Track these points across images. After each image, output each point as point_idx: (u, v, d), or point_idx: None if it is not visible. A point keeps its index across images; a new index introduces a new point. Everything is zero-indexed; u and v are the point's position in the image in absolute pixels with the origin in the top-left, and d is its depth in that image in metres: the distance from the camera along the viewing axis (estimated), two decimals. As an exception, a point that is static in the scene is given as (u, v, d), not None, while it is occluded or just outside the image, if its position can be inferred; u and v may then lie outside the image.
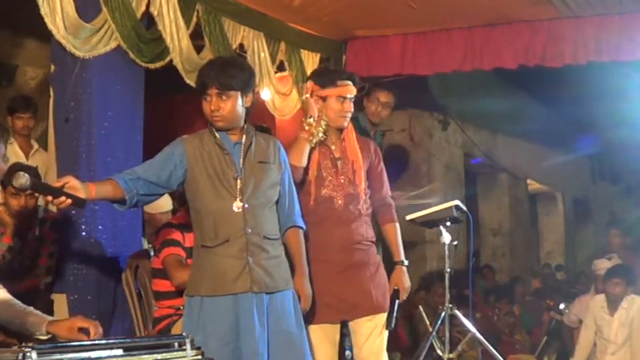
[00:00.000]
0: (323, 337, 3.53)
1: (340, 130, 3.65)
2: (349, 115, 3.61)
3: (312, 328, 3.49)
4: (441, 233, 4.30)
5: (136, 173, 3.10)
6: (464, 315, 4.35)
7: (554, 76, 7.06)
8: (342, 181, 3.58)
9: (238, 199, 3.11)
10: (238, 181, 3.13)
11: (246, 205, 3.12)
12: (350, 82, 3.60)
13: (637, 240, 6.96)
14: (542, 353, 7.28)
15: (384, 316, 3.62)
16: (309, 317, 3.45)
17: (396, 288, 3.66)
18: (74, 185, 2.84)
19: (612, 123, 9.91)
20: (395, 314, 3.62)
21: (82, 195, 2.85)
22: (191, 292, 3.16)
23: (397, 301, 3.63)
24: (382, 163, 3.79)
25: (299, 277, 3.30)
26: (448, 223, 4.29)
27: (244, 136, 3.21)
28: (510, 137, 10.76)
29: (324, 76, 3.62)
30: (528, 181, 11.94)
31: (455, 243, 4.33)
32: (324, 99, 3.55)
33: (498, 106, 9.14)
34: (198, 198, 3.16)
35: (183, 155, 3.16)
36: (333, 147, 3.63)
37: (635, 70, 6.55)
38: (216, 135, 3.18)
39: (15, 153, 5.10)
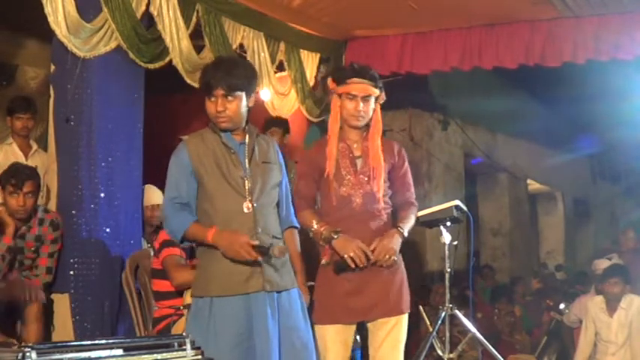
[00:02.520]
0: (335, 337, 3.45)
1: (363, 129, 3.53)
2: (363, 115, 3.45)
3: (326, 328, 3.44)
4: (441, 233, 4.29)
5: (190, 205, 3.14)
6: (464, 315, 4.34)
7: (554, 75, 7.07)
8: (361, 179, 3.48)
9: (248, 199, 3.11)
10: (246, 181, 3.13)
11: (255, 205, 3.12)
12: (362, 80, 3.44)
13: None
14: (542, 353, 7.27)
15: (401, 318, 3.51)
16: (324, 317, 3.43)
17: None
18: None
19: (612, 123, 9.92)
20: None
21: None
22: (199, 293, 3.13)
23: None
24: (407, 164, 3.63)
25: (299, 276, 3.31)
26: (448, 223, 4.27)
27: (247, 137, 3.20)
28: (510, 137, 10.77)
29: (338, 73, 3.54)
30: (528, 181, 11.94)
31: (455, 243, 4.32)
32: (340, 96, 3.48)
33: (498, 105, 9.14)
34: (206, 199, 3.14)
35: (189, 160, 3.14)
36: (355, 145, 3.52)
37: (635, 69, 6.55)
38: (221, 135, 3.17)
39: (14, 153, 5.10)
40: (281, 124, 5.61)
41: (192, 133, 3.25)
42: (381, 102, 3.55)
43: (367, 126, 3.52)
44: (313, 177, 3.54)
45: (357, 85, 3.45)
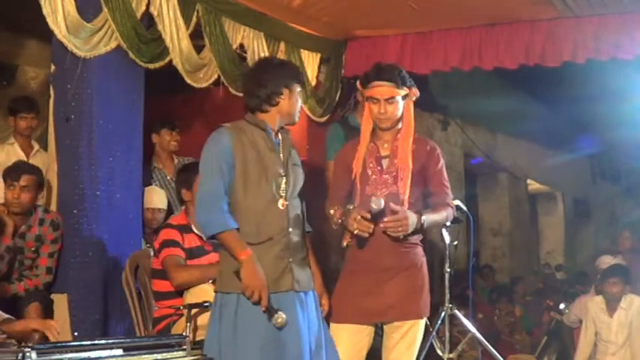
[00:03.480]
0: (348, 336, 3.43)
1: (396, 129, 3.49)
2: (389, 116, 3.42)
3: (338, 326, 3.44)
4: (441, 233, 4.29)
5: (226, 197, 3.09)
6: (464, 315, 4.34)
7: (554, 75, 7.06)
8: (386, 179, 3.43)
9: (283, 197, 3.13)
10: (284, 179, 3.14)
11: (288, 204, 3.14)
12: (383, 83, 3.40)
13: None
14: (542, 353, 7.28)
15: (416, 322, 3.48)
16: (337, 316, 3.44)
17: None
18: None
19: (612, 123, 9.92)
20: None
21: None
22: (225, 289, 3.09)
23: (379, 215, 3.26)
24: (441, 164, 3.52)
25: (317, 279, 3.36)
26: (448, 223, 4.27)
27: (280, 136, 3.23)
28: (510, 137, 10.77)
29: (364, 77, 3.49)
30: (528, 181, 11.94)
31: (455, 243, 4.32)
32: (367, 99, 3.46)
33: (498, 106, 9.14)
34: (242, 190, 3.10)
35: (232, 149, 3.09)
36: (385, 145, 3.48)
37: (635, 69, 6.55)
38: (266, 128, 3.17)
39: (16, 153, 5.10)
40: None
41: (229, 124, 3.19)
42: (414, 98, 3.50)
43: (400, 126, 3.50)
44: (344, 177, 3.54)
45: (379, 89, 3.41)
